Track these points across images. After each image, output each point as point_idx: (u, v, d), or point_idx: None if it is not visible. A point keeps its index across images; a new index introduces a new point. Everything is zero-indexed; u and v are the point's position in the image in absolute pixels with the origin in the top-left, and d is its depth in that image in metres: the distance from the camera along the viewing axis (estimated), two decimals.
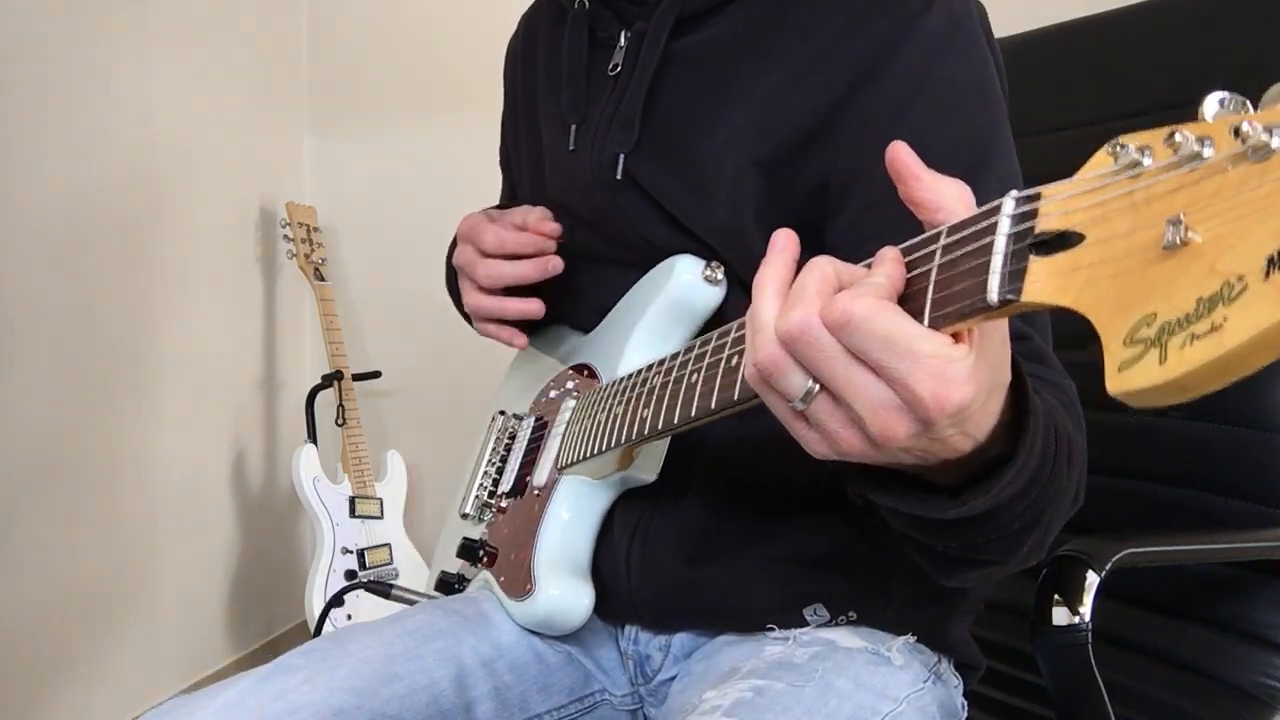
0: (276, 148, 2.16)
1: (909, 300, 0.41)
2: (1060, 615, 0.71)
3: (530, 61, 0.90)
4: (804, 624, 0.71)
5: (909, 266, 0.42)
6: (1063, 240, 0.36)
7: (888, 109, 0.65)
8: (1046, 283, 0.36)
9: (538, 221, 0.80)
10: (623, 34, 0.78)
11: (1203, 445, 0.89)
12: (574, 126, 0.79)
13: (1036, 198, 0.37)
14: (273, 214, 2.11)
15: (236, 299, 2.02)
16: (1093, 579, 0.70)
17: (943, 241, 0.41)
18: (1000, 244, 0.37)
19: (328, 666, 0.65)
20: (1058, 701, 0.72)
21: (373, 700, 0.64)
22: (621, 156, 0.75)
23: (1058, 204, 0.36)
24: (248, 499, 2.05)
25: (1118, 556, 0.71)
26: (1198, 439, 0.89)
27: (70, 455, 1.59)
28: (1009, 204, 0.38)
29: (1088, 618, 0.70)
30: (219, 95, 1.95)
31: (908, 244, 0.43)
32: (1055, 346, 0.64)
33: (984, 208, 0.39)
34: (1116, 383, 0.32)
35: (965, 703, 0.72)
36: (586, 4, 0.80)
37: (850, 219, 0.66)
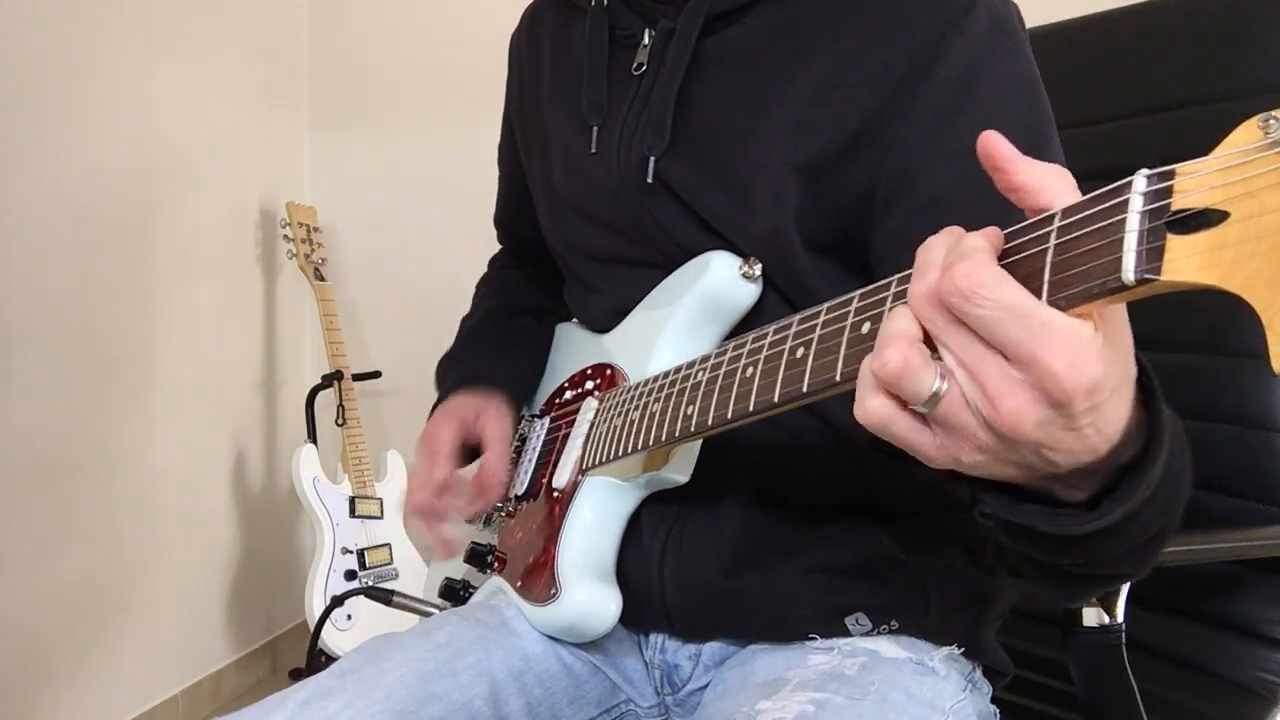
0: (276, 148, 2.16)
1: (1024, 283, 0.39)
2: (1090, 616, 0.71)
3: (536, 59, 0.88)
4: (845, 633, 0.70)
5: (1019, 249, 0.40)
6: (1202, 219, 0.34)
7: (936, 112, 0.64)
8: (1189, 261, 0.34)
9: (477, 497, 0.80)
10: (646, 32, 0.75)
11: (1203, 445, 0.89)
12: (596, 128, 0.77)
13: (1170, 175, 0.35)
14: (273, 214, 2.11)
15: (236, 299, 2.02)
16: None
17: (1058, 222, 0.39)
18: (1134, 221, 0.35)
19: (365, 689, 0.64)
20: (1088, 703, 0.71)
21: None
22: (653, 159, 0.72)
23: (1196, 181, 0.34)
24: (248, 499, 2.05)
25: None
26: (1198, 439, 0.89)
27: (70, 455, 1.59)
28: (1140, 181, 0.36)
29: (1120, 619, 0.69)
30: (219, 95, 1.95)
31: (1018, 226, 0.41)
32: None
33: (1110, 186, 0.37)
34: None
35: (996, 709, 0.72)
36: (605, 1, 0.78)
37: (899, 222, 0.65)
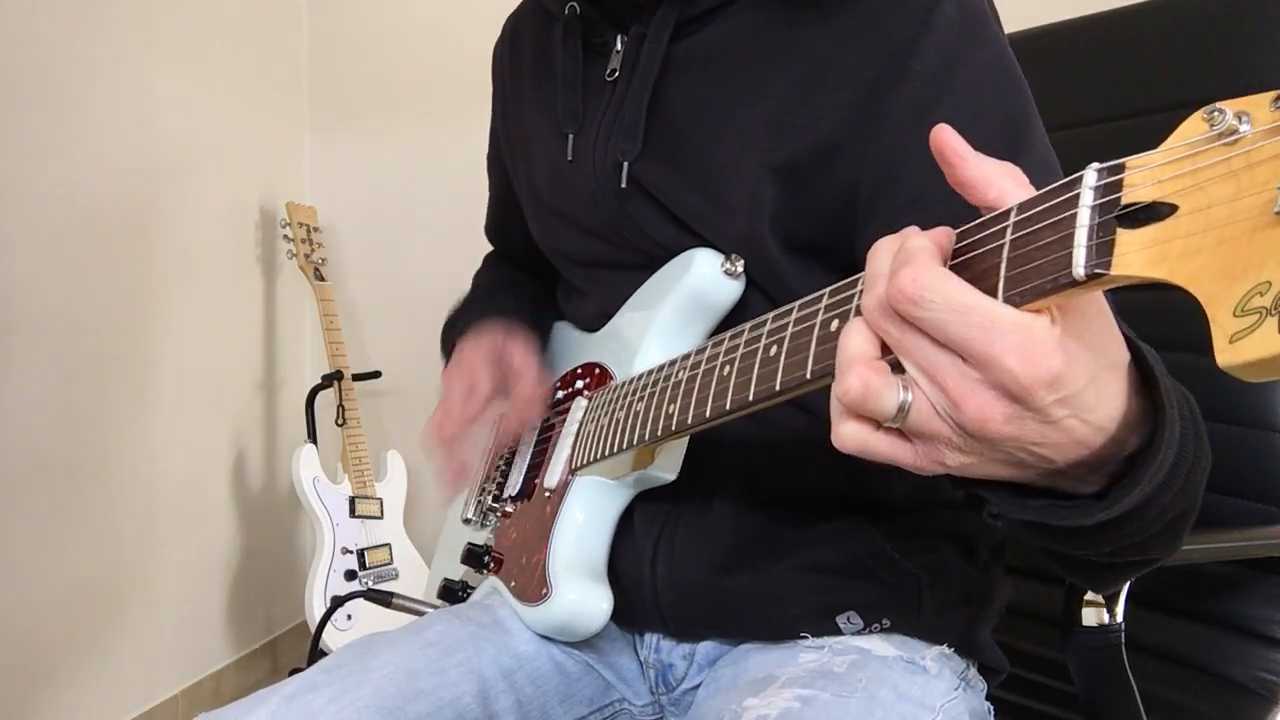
0: (276, 148, 2.16)
1: (980, 280, 0.39)
2: (1089, 616, 0.71)
3: (517, 66, 0.88)
4: (837, 632, 0.70)
5: (976, 245, 0.40)
6: (1151, 212, 0.34)
7: (914, 108, 0.64)
8: (1138, 255, 0.34)
9: (521, 413, 0.81)
10: (618, 38, 0.76)
11: None
12: (571, 136, 0.77)
13: (1120, 168, 0.35)
14: (273, 214, 2.11)
15: (236, 299, 2.03)
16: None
17: (1013, 218, 0.39)
18: (1084, 216, 0.35)
19: (352, 684, 0.64)
20: (1087, 703, 0.71)
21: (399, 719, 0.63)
22: (626, 164, 0.73)
23: (1144, 174, 0.34)
24: (248, 499, 2.05)
25: None
26: None
27: (70, 455, 1.59)
28: (1090, 175, 0.36)
29: (1120, 618, 0.69)
30: (219, 95, 1.95)
31: (973, 224, 0.41)
32: None
33: (1061, 181, 0.37)
34: (1229, 355, 0.30)
35: (991, 706, 0.72)
36: (578, 8, 0.78)
37: (885, 221, 0.64)
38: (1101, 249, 0.35)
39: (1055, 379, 0.37)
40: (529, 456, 0.83)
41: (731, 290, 0.70)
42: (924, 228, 0.43)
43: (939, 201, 0.62)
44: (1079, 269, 0.35)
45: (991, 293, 0.38)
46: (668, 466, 0.70)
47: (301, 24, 2.23)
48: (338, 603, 1.20)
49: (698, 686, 0.75)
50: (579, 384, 0.81)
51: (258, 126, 2.09)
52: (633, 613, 0.74)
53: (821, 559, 0.70)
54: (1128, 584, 0.72)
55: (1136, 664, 0.71)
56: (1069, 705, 0.90)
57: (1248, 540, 0.84)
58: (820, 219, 0.68)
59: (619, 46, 0.76)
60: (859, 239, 0.67)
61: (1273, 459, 0.85)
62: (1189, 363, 0.90)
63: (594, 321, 0.82)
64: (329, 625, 1.78)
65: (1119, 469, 0.43)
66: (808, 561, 0.70)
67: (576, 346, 0.86)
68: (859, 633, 0.70)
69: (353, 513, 1.92)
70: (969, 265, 0.40)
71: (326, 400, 2.01)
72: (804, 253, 0.69)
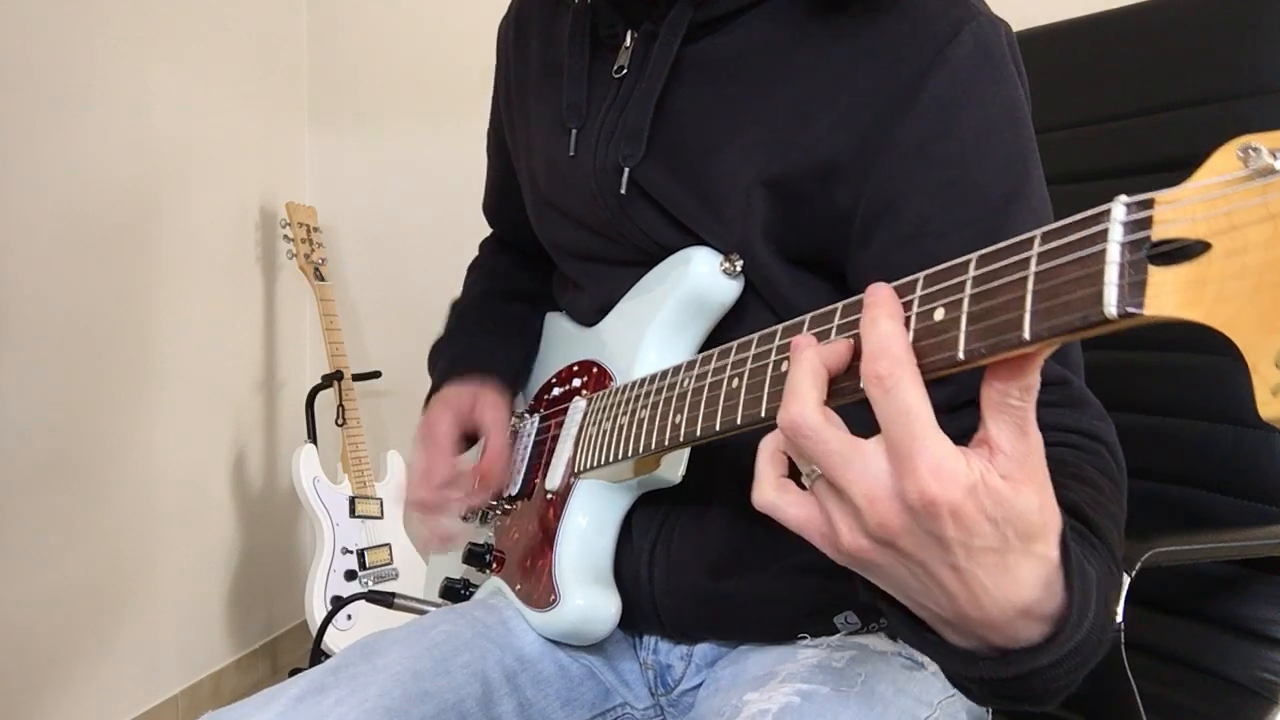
0: (276, 148, 2.16)
1: (1004, 311, 0.38)
2: None
3: (523, 51, 0.87)
4: (835, 631, 0.70)
5: (998, 274, 0.39)
6: (1182, 251, 0.33)
7: (919, 141, 0.63)
8: (1172, 295, 0.33)
9: (484, 487, 0.81)
10: (629, 34, 0.74)
11: (1203, 445, 0.89)
12: (574, 131, 0.76)
13: (1149, 204, 0.34)
14: (273, 214, 2.11)
15: (236, 299, 2.02)
16: (1123, 580, 0.70)
17: (1037, 248, 0.37)
18: (1114, 252, 0.34)
19: (359, 685, 0.64)
20: (1088, 704, 0.71)
21: None
22: (627, 170, 0.72)
23: (1176, 210, 0.33)
24: (248, 499, 2.05)
25: (1145, 556, 0.71)
26: (1198, 439, 0.89)
27: (70, 455, 1.59)
28: (1119, 210, 0.35)
29: (1120, 618, 0.69)
30: (219, 95, 1.95)
31: (994, 249, 0.40)
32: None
33: (1087, 213, 0.36)
34: (1272, 408, 0.30)
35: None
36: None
37: (880, 251, 0.64)
38: (1134, 288, 0.34)
39: (956, 508, 0.39)
40: (527, 456, 0.83)
41: (730, 290, 0.69)
42: (918, 262, 0.43)
43: (936, 236, 0.62)
44: (1111, 308, 0.34)
45: (1016, 326, 0.38)
46: (673, 470, 0.69)
47: (301, 24, 2.23)
48: (340, 604, 1.20)
49: (696, 687, 0.75)
50: (576, 382, 0.80)
51: (258, 126, 2.09)
52: (631, 615, 0.74)
53: (818, 560, 0.68)
54: (1128, 584, 0.72)
55: (1137, 664, 0.71)
56: (1069, 705, 0.90)
57: (1248, 540, 0.84)
58: (812, 235, 0.68)
59: (628, 43, 0.74)
60: (851, 261, 0.67)
61: (1272, 459, 0.85)
62: (1187, 363, 0.91)
63: (590, 315, 0.82)
64: (330, 626, 1.78)
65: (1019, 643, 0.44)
66: (804, 563, 0.69)
67: (572, 341, 0.85)
68: (856, 632, 0.70)
69: (353, 513, 1.92)
70: (990, 294, 0.39)
71: (326, 400, 2.01)
72: (797, 264, 0.69)
